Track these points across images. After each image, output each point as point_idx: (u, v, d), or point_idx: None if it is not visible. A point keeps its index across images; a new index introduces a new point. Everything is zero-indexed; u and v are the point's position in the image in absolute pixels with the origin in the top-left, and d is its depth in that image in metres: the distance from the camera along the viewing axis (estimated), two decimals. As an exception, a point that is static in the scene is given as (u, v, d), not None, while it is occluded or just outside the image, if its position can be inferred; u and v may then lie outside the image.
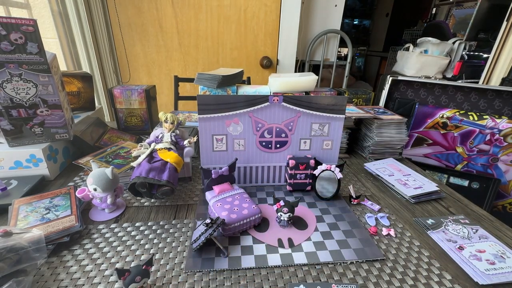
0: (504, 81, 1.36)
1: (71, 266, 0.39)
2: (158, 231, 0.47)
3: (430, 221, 0.52)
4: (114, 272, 0.38)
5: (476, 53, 2.05)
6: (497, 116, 0.80)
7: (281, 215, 0.48)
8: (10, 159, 0.58)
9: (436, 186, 0.62)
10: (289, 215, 0.48)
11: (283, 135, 0.58)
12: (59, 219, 0.45)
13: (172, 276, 0.38)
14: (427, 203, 0.59)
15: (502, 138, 0.83)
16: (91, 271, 0.39)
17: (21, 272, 0.36)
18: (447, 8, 2.86)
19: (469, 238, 0.48)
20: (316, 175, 0.57)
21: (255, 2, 1.55)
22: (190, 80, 1.27)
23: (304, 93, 0.92)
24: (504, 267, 0.41)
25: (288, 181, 0.59)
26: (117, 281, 0.37)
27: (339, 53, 1.97)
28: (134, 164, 0.52)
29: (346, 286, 0.36)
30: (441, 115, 0.85)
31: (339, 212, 0.54)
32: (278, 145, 0.59)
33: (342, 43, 1.85)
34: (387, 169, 0.70)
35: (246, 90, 0.91)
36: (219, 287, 0.37)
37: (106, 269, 0.39)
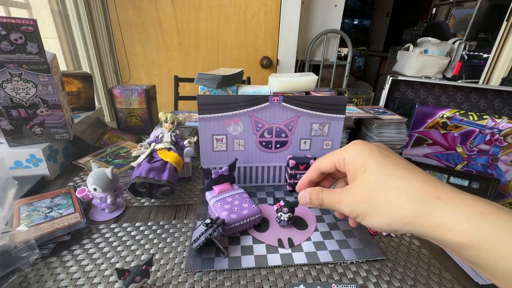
0: (504, 81, 1.36)
1: (71, 266, 0.39)
2: (158, 231, 0.47)
3: (430, 221, 0.52)
4: (114, 272, 0.38)
5: (476, 53, 2.06)
6: (497, 116, 0.80)
7: (281, 215, 0.48)
8: (10, 159, 0.58)
9: (436, 186, 0.62)
10: (289, 215, 0.48)
11: (283, 135, 0.58)
12: (63, 217, 0.45)
13: (172, 276, 0.38)
14: (427, 203, 0.59)
15: (502, 138, 0.83)
16: (91, 271, 0.39)
17: (16, 270, 0.36)
18: (447, 8, 2.86)
19: (469, 238, 0.47)
20: (316, 175, 0.56)
21: (255, 2, 1.55)
22: (190, 80, 1.27)
23: (304, 93, 0.92)
24: (504, 267, 0.41)
25: (288, 181, 0.59)
26: (117, 281, 0.37)
27: (339, 53, 1.97)
28: (134, 164, 0.52)
29: (346, 286, 0.35)
30: (441, 115, 0.84)
31: (339, 212, 0.54)
32: (278, 145, 0.59)
33: (342, 43, 1.86)
34: (387, 169, 0.70)
35: (246, 90, 0.91)
36: (219, 287, 0.37)
37: (106, 269, 0.39)
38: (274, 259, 0.42)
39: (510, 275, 0.21)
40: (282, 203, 0.48)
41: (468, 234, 0.23)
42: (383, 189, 0.27)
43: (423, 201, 0.25)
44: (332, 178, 0.39)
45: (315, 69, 1.90)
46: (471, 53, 2.01)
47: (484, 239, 0.22)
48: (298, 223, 0.50)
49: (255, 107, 0.55)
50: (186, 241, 0.45)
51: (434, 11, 3.02)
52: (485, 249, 0.22)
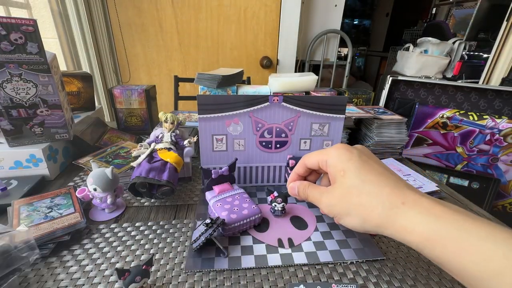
0: (504, 81, 1.36)
1: (71, 266, 0.39)
2: (158, 231, 0.47)
3: (430, 221, 0.52)
4: (114, 272, 0.38)
5: (476, 53, 2.06)
6: (497, 116, 0.80)
7: (275, 205, 0.50)
8: (10, 159, 0.58)
9: (436, 186, 0.62)
10: (283, 205, 0.50)
11: (283, 135, 0.58)
12: (63, 217, 0.45)
13: (172, 276, 0.38)
14: (427, 203, 0.59)
15: (502, 138, 0.83)
16: (91, 271, 0.39)
17: (16, 270, 0.36)
18: (447, 8, 2.86)
19: (469, 238, 0.47)
20: (316, 175, 0.57)
21: (255, 2, 1.55)
22: (190, 80, 1.27)
23: (304, 93, 0.92)
24: (504, 267, 0.41)
25: (288, 181, 0.59)
26: (117, 281, 0.37)
27: (339, 53, 1.97)
28: (134, 164, 0.52)
29: (346, 286, 0.35)
30: (441, 115, 0.85)
31: (339, 212, 0.54)
32: (278, 145, 0.59)
33: (342, 43, 1.86)
34: (387, 169, 0.70)
35: (246, 90, 0.91)
36: (219, 287, 0.37)
37: (106, 269, 0.39)
38: (274, 259, 0.42)
39: (461, 270, 0.24)
40: (275, 193, 0.50)
41: (424, 235, 0.26)
42: (358, 193, 0.31)
43: (390, 206, 0.28)
44: (317, 174, 0.42)
45: (315, 69, 1.90)
46: (471, 53, 2.01)
47: (438, 238, 0.25)
48: (298, 223, 0.50)
49: (255, 107, 0.55)
50: (186, 241, 0.45)
51: (434, 11, 3.02)
52: (439, 247, 0.25)
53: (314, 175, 0.42)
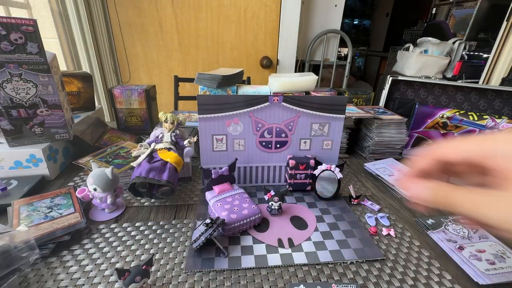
0: (504, 81, 1.36)
1: (71, 266, 0.39)
2: (158, 231, 0.47)
3: (430, 221, 0.52)
4: (114, 272, 0.38)
5: (476, 53, 2.05)
6: (497, 116, 0.80)
7: (272, 204, 0.50)
8: (10, 159, 0.58)
9: (436, 186, 0.62)
10: (280, 204, 0.50)
11: (283, 135, 0.58)
12: (63, 217, 0.45)
13: (172, 276, 0.38)
14: (427, 203, 0.59)
15: (502, 138, 0.83)
16: (91, 271, 0.39)
17: (16, 270, 0.36)
18: (447, 8, 2.86)
19: (469, 238, 0.48)
20: (316, 175, 0.57)
21: (255, 2, 1.55)
22: (190, 80, 1.27)
23: (304, 93, 0.92)
24: (504, 267, 0.41)
25: (288, 181, 0.59)
26: (117, 281, 0.37)
27: (339, 53, 1.97)
28: (134, 164, 0.52)
29: (346, 286, 0.36)
30: (441, 115, 0.84)
31: (339, 212, 0.54)
32: (278, 145, 0.59)
33: (342, 43, 1.85)
34: (387, 169, 0.70)
35: (246, 90, 0.91)
36: (219, 287, 0.37)
37: (106, 269, 0.39)
38: (274, 259, 0.42)
39: None
40: (272, 192, 0.50)
41: None
42: None
43: None
44: (442, 173, 0.27)
45: (315, 69, 1.90)
46: (471, 53, 2.01)
47: None
48: (298, 223, 0.50)
49: (255, 107, 0.55)
50: (186, 241, 0.45)
51: (434, 11, 3.02)
52: None
53: (435, 176, 0.27)
